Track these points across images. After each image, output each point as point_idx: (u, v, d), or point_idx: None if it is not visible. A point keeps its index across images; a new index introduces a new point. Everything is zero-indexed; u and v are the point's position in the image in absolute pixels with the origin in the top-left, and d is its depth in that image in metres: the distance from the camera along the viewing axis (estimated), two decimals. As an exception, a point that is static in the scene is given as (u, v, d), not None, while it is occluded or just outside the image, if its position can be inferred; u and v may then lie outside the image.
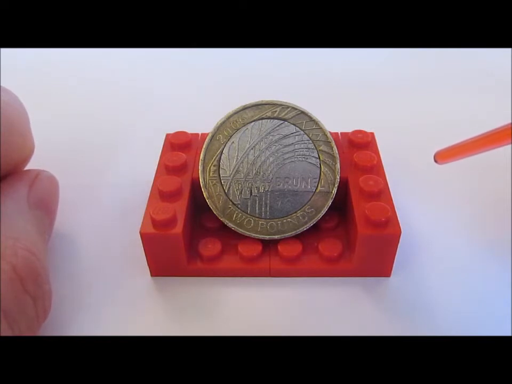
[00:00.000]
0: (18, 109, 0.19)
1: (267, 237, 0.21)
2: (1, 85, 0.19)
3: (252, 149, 0.22)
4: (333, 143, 0.22)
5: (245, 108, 0.22)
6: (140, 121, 0.30)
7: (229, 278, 0.21)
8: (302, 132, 0.22)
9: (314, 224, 0.21)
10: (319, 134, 0.22)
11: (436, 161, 0.20)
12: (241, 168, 0.21)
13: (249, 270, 0.21)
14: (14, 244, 0.16)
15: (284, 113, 0.22)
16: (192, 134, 0.24)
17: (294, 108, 0.22)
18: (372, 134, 0.24)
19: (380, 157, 0.23)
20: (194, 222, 0.22)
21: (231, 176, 0.21)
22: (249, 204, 0.21)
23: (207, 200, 0.21)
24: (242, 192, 0.21)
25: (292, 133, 0.22)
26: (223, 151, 0.22)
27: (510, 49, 0.35)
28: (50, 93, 0.33)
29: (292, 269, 0.21)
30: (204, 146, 0.22)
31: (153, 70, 0.36)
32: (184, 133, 0.24)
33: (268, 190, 0.21)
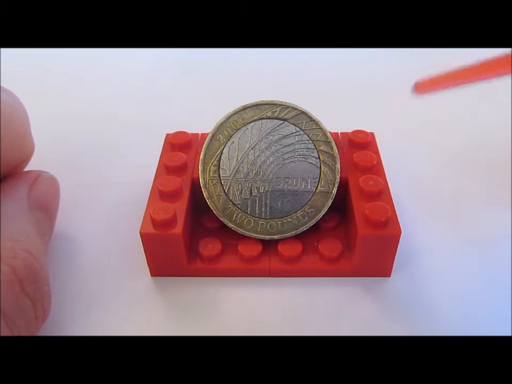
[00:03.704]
0: (18, 109, 0.19)
1: (267, 237, 0.21)
2: (1, 85, 0.19)
3: (252, 149, 0.22)
4: (333, 143, 0.22)
5: (245, 108, 0.22)
6: (140, 121, 0.30)
7: (229, 278, 0.21)
8: (302, 132, 0.22)
9: (314, 224, 0.21)
10: (319, 134, 0.22)
11: (414, 91, 0.19)
12: (241, 168, 0.21)
13: (249, 270, 0.21)
14: (13, 245, 0.16)
15: (284, 113, 0.22)
16: (192, 134, 0.24)
17: (294, 108, 0.22)
18: (372, 134, 0.24)
19: (380, 157, 0.23)
20: (194, 222, 0.22)
21: (231, 176, 0.21)
22: (249, 203, 0.21)
23: (207, 200, 0.21)
24: (242, 192, 0.21)
25: (292, 133, 0.22)
26: (223, 151, 0.22)
27: (510, 49, 0.35)
28: (50, 93, 0.33)
29: (292, 269, 0.21)
30: (204, 146, 0.22)
31: (153, 70, 0.36)
32: (184, 133, 0.24)
33: (268, 190, 0.21)
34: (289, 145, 0.22)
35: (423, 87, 0.19)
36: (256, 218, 0.21)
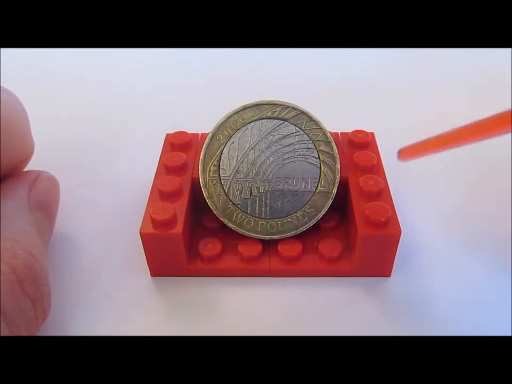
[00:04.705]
0: (18, 109, 0.19)
1: (267, 237, 0.21)
2: (1, 85, 0.19)
3: (252, 149, 0.22)
4: (333, 143, 0.22)
5: (245, 108, 0.22)
6: (140, 121, 0.30)
7: (229, 278, 0.21)
8: (302, 132, 0.22)
9: (314, 224, 0.21)
10: (319, 134, 0.22)
11: (399, 158, 0.20)
12: (241, 168, 0.21)
13: (249, 270, 0.21)
14: (13, 245, 0.16)
15: (284, 113, 0.22)
16: (192, 134, 0.24)
17: (294, 108, 0.22)
18: (372, 134, 0.24)
19: (380, 157, 0.23)
20: (194, 222, 0.22)
21: (231, 176, 0.21)
22: (249, 203, 0.21)
23: (207, 200, 0.21)
24: (242, 192, 0.21)
25: (292, 133, 0.22)
26: (223, 151, 0.22)
27: (510, 49, 0.35)
28: (51, 93, 0.33)
29: (292, 269, 0.21)
30: (204, 146, 0.22)
31: (153, 70, 0.36)
32: (184, 133, 0.24)
33: (268, 190, 0.21)
34: (289, 145, 0.22)
35: (406, 153, 0.20)
36: (256, 218, 0.21)
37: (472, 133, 0.16)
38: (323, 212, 0.21)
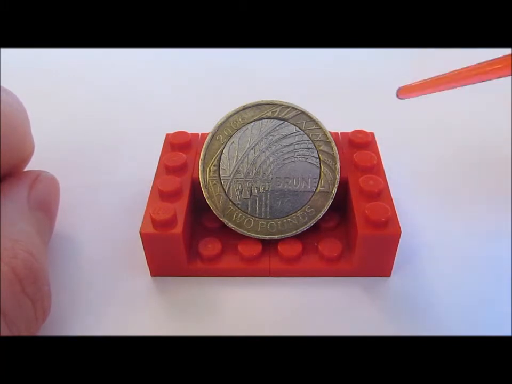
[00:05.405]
0: (18, 109, 0.19)
1: (267, 237, 0.21)
2: (1, 85, 0.19)
3: (252, 149, 0.22)
4: (333, 143, 0.22)
5: (245, 108, 0.22)
6: (140, 121, 0.30)
7: (229, 278, 0.21)
8: (302, 132, 0.22)
9: (314, 224, 0.21)
10: (319, 134, 0.22)
11: (397, 96, 0.20)
12: (241, 168, 0.21)
13: (249, 270, 0.21)
14: (13, 245, 0.16)
15: (284, 113, 0.22)
16: (192, 134, 0.24)
17: (294, 108, 0.22)
18: (372, 134, 0.24)
19: (380, 157, 0.23)
20: (194, 222, 0.22)
21: (231, 176, 0.21)
22: (249, 204, 0.21)
23: (207, 200, 0.21)
24: (242, 192, 0.21)
25: (292, 133, 0.22)
26: (223, 151, 0.22)
27: (510, 49, 0.35)
28: (50, 93, 0.33)
29: (291, 269, 0.21)
30: (204, 146, 0.22)
31: (153, 70, 0.36)
32: (184, 133, 0.24)
33: (268, 190, 0.21)
34: (289, 145, 0.22)
35: (405, 91, 0.20)
36: (256, 218, 0.21)
37: (471, 74, 0.16)
38: (323, 212, 0.21)
